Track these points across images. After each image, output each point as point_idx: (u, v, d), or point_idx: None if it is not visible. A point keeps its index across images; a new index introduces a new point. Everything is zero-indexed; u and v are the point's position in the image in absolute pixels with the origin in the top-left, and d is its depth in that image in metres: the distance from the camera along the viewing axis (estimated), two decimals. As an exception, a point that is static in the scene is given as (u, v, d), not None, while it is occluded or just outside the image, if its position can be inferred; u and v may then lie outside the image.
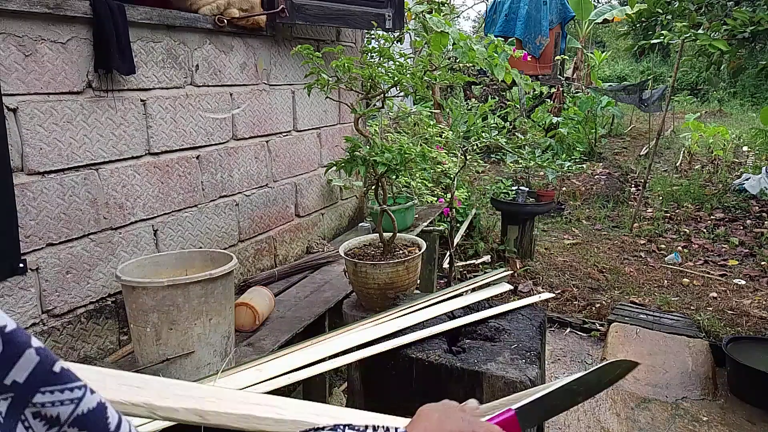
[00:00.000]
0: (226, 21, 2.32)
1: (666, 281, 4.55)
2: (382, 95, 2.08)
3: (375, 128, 3.61)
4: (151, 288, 1.62)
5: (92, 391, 0.49)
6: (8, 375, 0.44)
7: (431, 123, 4.05)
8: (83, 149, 1.83)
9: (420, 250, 2.15)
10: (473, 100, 6.96)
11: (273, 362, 1.54)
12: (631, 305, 4.01)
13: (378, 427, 0.68)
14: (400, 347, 1.54)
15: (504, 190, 5.32)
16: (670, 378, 3.11)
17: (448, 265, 3.92)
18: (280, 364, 1.51)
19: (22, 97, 1.64)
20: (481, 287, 2.07)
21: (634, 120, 11.81)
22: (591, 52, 11.44)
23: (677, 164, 8.43)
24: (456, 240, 4.43)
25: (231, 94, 2.47)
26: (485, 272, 3.34)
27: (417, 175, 3.54)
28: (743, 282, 4.48)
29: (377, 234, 2.19)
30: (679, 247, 5.33)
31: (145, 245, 2.09)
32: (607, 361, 0.90)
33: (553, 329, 3.81)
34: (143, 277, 1.77)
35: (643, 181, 6.11)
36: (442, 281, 4.02)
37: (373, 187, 2.14)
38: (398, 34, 2.89)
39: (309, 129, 3.07)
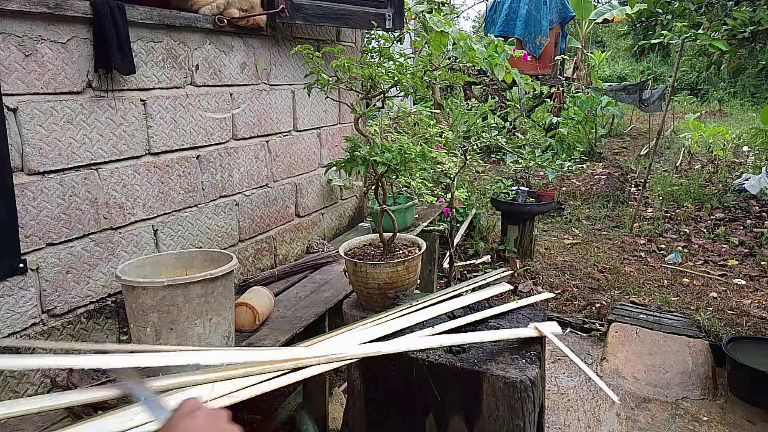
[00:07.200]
0: (226, 21, 2.32)
1: (666, 281, 4.55)
2: (382, 95, 2.07)
3: (375, 128, 3.60)
4: (151, 288, 1.62)
5: None
6: None
7: (431, 123, 4.05)
8: (83, 149, 1.83)
9: (420, 250, 2.15)
10: (473, 100, 6.94)
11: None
12: (631, 305, 4.01)
13: None
14: (400, 347, 1.53)
15: (504, 190, 5.32)
16: (670, 378, 3.11)
17: (448, 265, 3.92)
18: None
19: (22, 97, 1.64)
20: (481, 287, 2.07)
21: (634, 120, 11.81)
22: (591, 52, 11.42)
23: (677, 164, 8.43)
24: (456, 240, 4.43)
25: (231, 94, 2.47)
26: (485, 272, 3.34)
27: (417, 175, 3.54)
28: (743, 282, 4.48)
29: (377, 234, 2.19)
30: (679, 247, 5.34)
31: (145, 245, 2.09)
32: None
33: (553, 329, 3.80)
34: (143, 277, 1.76)
35: (643, 180, 6.12)
36: (442, 281, 4.02)
37: (373, 187, 2.14)
38: (398, 34, 2.89)
39: (309, 129, 3.07)
